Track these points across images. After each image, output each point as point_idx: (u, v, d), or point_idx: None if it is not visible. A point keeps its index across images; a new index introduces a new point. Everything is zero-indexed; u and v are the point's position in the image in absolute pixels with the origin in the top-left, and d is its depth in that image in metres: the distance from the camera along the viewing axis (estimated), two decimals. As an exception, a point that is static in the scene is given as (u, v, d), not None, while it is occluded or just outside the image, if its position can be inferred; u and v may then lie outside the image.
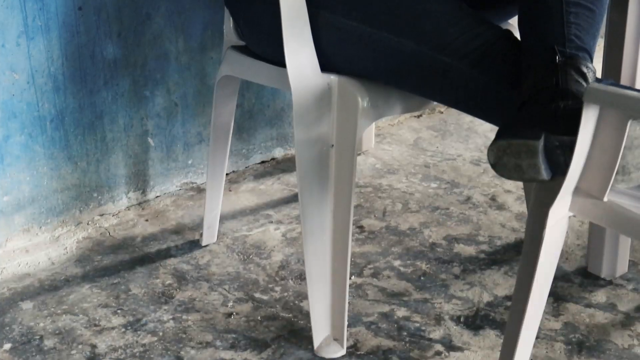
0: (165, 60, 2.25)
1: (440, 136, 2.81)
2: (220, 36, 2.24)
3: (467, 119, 2.90)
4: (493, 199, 2.44)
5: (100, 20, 2.11)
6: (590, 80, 1.59)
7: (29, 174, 2.11)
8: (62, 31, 2.06)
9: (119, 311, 1.96)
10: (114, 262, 2.14)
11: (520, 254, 1.68)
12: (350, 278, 2.07)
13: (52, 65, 2.07)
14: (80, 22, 2.08)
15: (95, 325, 1.92)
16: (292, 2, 1.74)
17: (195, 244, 2.21)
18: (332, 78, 1.80)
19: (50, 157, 2.13)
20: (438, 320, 1.94)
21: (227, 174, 2.48)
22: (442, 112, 2.96)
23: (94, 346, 1.85)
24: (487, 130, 2.82)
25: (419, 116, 2.93)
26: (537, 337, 1.84)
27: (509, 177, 1.56)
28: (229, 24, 2.02)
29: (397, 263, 2.15)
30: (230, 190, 2.44)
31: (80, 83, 2.12)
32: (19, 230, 2.13)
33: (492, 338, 1.89)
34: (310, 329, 1.87)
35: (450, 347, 1.87)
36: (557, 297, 2.01)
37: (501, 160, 1.57)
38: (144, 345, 1.85)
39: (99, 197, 2.24)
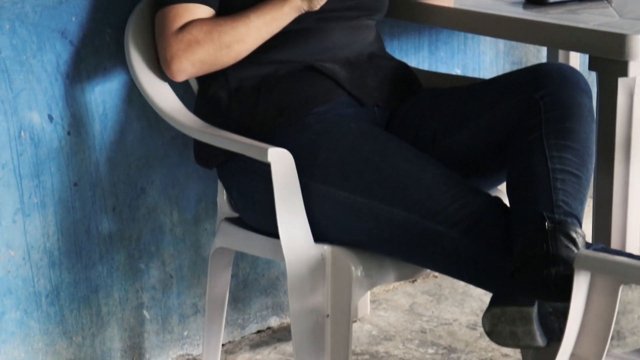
0: (160, 233, 2.27)
1: (435, 300, 2.80)
2: (214, 208, 2.26)
3: (461, 283, 2.90)
4: (491, 363, 2.42)
5: (96, 195, 2.14)
6: (580, 245, 1.61)
7: (24, 350, 2.10)
8: (57, 207, 2.09)
9: None
10: None
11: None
12: None
13: (47, 241, 2.09)
14: (75, 198, 2.11)
15: None
16: (284, 174, 1.78)
17: (191, 418, 2.18)
18: (326, 248, 1.82)
19: (45, 332, 2.12)
20: None
21: (223, 345, 2.47)
22: (436, 277, 2.96)
23: None
24: (482, 294, 2.82)
25: (413, 281, 2.93)
26: None
27: (505, 345, 1.57)
28: (222, 196, 2.05)
29: None
30: (226, 361, 2.43)
31: (76, 258, 2.14)
32: (13, 408, 2.11)
33: None
34: None
35: None
36: None
37: (496, 327, 1.57)
38: None
39: (94, 371, 2.23)
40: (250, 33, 1.88)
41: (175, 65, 1.88)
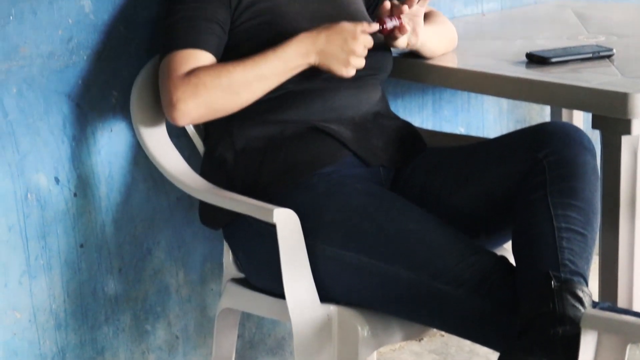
0: (166, 294, 2.27)
1: (442, 359, 2.79)
2: (220, 268, 2.27)
3: (468, 342, 2.88)
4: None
5: (102, 257, 2.15)
6: (586, 304, 1.61)
7: (29, 413, 2.09)
8: (64, 269, 2.09)
9: None
10: None
11: None
12: None
13: (53, 302, 2.09)
14: (81, 259, 2.12)
15: None
16: (290, 235, 1.78)
17: None
18: (332, 308, 1.82)
19: (50, 395, 2.11)
20: None
21: (229, 406, 2.45)
22: (443, 336, 2.95)
23: None
24: (489, 353, 2.80)
25: (420, 340, 2.92)
26: None
27: (513, 404, 1.55)
28: (228, 256, 2.06)
29: None
30: (232, 423, 2.41)
31: (82, 319, 2.14)
32: None
33: None
34: None
35: None
36: None
37: (504, 387, 1.56)
38: None
39: None
40: (261, 81, 1.87)
41: (181, 107, 1.84)
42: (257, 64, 1.87)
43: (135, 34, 2.11)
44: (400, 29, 1.94)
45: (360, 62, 1.89)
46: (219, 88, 1.85)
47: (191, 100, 1.84)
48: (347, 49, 1.86)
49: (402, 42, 2.00)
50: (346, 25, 1.88)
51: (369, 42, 1.89)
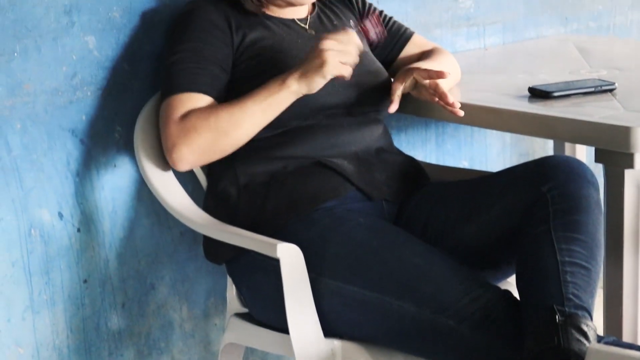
0: (169, 329, 2.27)
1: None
2: (224, 303, 2.26)
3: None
4: None
5: (105, 292, 2.14)
6: (591, 338, 1.60)
7: None
8: (67, 304, 2.09)
9: None
10: None
11: None
12: None
13: (57, 338, 2.08)
14: (85, 295, 2.12)
15: None
16: (293, 270, 1.78)
17: None
18: (336, 343, 1.81)
19: None
20: None
21: None
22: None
23: None
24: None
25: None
26: None
27: None
28: (232, 291, 2.05)
29: None
30: None
31: (85, 355, 2.13)
32: None
33: None
34: None
35: None
36: None
37: (508, 422, 1.56)
38: None
39: None
40: (247, 119, 1.88)
41: (176, 153, 1.87)
42: (242, 102, 1.88)
43: (139, 69, 2.12)
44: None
45: (339, 56, 1.82)
46: (208, 130, 1.86)
47: (185, 146, 1.87)
48: (316, 53, 1.83)
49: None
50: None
51: (347, 38, 1.84)
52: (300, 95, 1.87)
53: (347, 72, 1.83)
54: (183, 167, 1.90)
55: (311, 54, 1.84)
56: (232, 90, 1.95)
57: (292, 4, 2.02)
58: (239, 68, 1.96)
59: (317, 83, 1.85)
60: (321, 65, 1.82)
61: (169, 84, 1.93)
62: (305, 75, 1.84)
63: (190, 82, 1.91)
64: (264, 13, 2.03)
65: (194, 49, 1.93)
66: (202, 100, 1.91)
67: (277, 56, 1.96)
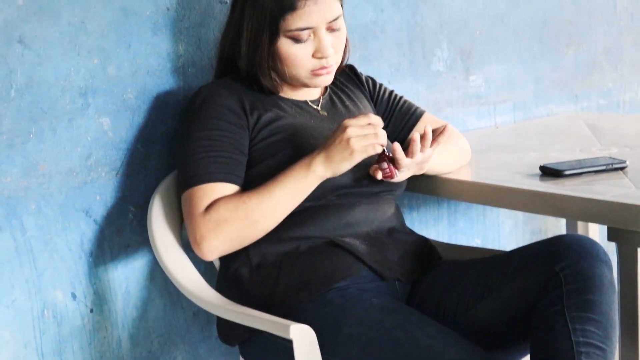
0: (181, 410, 2.25)
1: None
2: (237, 383, 2.25)
3: None
4: None
5: None
6: (607, 419, 1.59)
7: None
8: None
9: None
10: None
11: None
12: None
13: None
14: (97, 376, 2.11)
15: None
16: (307, 350, 1.77)
17: None
18: None
19: None
20: None
21: None
22: None
23: None
24: None
25: None
26: None
27: None
28: (245, 374, 2.04)
29: None
30: None
31: None
32: None
33: None
34: None
35: None
36: None
37: None
38: None
39: None
40: (276, 206, 1.89)
41: (206, 245, 1.89)
42: (270, 190, 1.89)
43: (153, 150, 2.14)
44: (391, 175, 1.95)
45: (364, 141, 1.85)
46: (238, 220, 1.87)
47: (215, 238, 1.88)
48: (343, 138, 1.86)
49: (403, 176, 2.00)
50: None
51: (367, 120, 1.87)
52: (325, 179, 1.89)
53: (374, 150, 1.86)
54: (213, 257, 1.92)
55: (335, 142, 1.86)
56: (251, 170, 1.96)
57: (307, 86, 2.04)
58: (255, 147, 1.98)
59: (344, 168, 1.88)
60: (351, 153, 1.85)
61: (189, 175, 1.94)
62: (330, 160, 1.87)
63: (211, 171, 1.92)
64: (277, 94, 2.05)
65: (211, 137, 1.94)
66: (225, 189, 1.92)
67: (291, 136, 1.98)
